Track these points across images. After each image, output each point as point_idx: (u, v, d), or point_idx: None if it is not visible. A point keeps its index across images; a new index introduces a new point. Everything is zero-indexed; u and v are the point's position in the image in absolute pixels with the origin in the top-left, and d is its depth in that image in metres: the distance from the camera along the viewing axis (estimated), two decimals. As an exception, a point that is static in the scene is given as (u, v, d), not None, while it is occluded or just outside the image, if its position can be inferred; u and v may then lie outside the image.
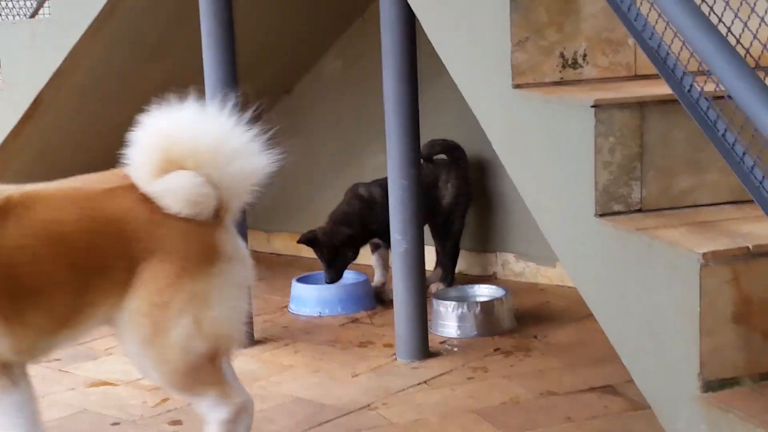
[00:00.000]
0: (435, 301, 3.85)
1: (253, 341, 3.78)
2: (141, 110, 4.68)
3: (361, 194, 4.26)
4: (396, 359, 3.56)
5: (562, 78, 2.58)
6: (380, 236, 4.19)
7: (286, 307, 4.24)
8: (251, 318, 3.77)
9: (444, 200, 4.31)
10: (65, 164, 4.78)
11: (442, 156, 4.39)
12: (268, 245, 5.25)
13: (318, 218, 4.63)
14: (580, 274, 2.40)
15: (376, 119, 4.64)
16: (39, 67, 4.21)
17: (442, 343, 3.73)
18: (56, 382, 3.51)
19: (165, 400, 3.29)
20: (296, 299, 4.20)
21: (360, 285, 4.21)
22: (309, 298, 4.15)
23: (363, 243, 4.23)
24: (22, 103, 4.29)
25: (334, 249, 4.12)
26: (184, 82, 4.60)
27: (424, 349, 3.58)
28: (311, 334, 3.91)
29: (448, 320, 3.80)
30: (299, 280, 4.26)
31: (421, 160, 3.66)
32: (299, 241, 4.18)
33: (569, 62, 2.58)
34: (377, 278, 4.33)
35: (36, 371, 3.57)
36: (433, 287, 4.20)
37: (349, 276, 4.27)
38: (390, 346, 3.67)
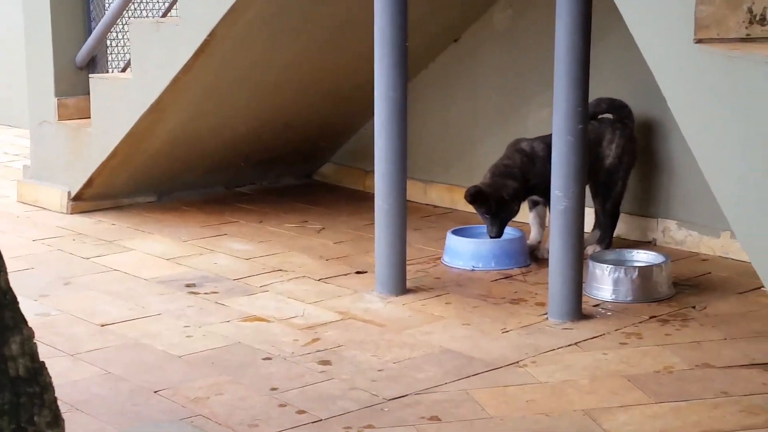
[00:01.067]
0: (591, 263, 3.76)
1: (404, 290, 3.77)
2: (308, 50, 4.76)
3: (523, 149, 4.18)
4: (547, 318, 3.50)
5: (748, 34, 2.45)
6: (540, 193, 4.11)
7: (440, 258, 4.22)
8: (404, 267, 3.77)
9: (607, 160, 4.19)
10: (232, 100, 4.89)
11: (608, 115, 4.26)
12: (425, 196, 5.23)
13: (475, 172, 4.58)
14: None
15: (543, 72, 4.55)
16: (214, 3, 4.28)
17: (595, 306, 3.65)
18: (212, 313, 3.59)
19: (316, 340, 3.33)
20: (450, 251, 4.17)
21: (516, 241, 4.15)
22: (463, 252, 4.12)
23: (523, 199, 4.16)
24: (196, 39, 4.37)
25: (501, 202, 4.05)
26: (352, 25, 4.64)
27: (577, 310, 3.51)
28: (463, 287, 3.88)
29: (604, 283, 3.71)
30: (454, 233, 4.23)
31: None
32: (467, 197, 4.10)
33: (757, 18, 2.45)
34: (533, 236, 4.26)
35: (194, 302, 3.69)
36: (590, 249, 4.10)
37: (505, 232, 4.23)
38: (542, 305, 3.61)
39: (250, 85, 4.86)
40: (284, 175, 5.73)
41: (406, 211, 3.77)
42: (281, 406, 2.82)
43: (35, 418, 1.46)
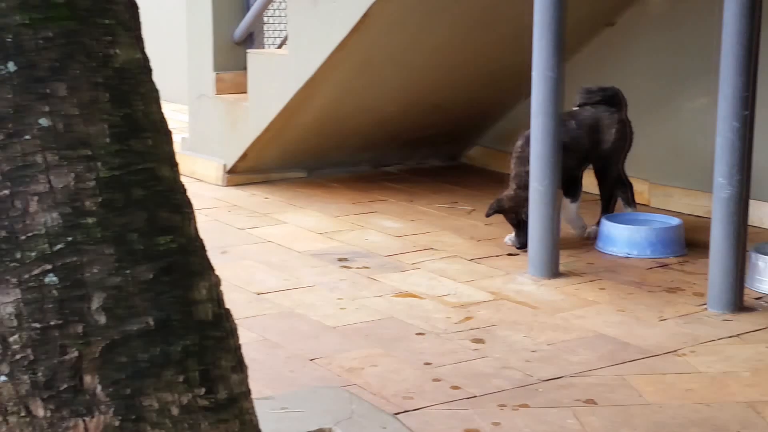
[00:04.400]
0: (753, 255, 3.64)
1: (557, 273, 3.73)
2: (459, 31, 4.73)
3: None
4: (706, 309, 3.40)
5: None
6: (564, 188, 3.99)
7: (593, 243, 4.15)
8: (557, 250, 3.73)
9: (605, 145, 4.21)
10: (382, 79, 4.91)
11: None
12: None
13: (633, 159, 4.48)
14: None
15: (702, 59, 4.42)
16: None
17: (757, 299, 3.53)
18: (365, 287, 3.61)
19: (469, 318, 3.31)
20: (604, 237, 4.09)
21: (672, 230, 4.05)
22: (618, 238, 4.04)
23: None
24: (352, 17, 4.40)
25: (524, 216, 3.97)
26: (504, 4, 4.60)
27: (738, 302, 3.40)
28: (616, 273, 3.81)
29: (766, 276, 3.59)
30: (608, 218, 4.15)
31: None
32: (486, 215, 4.04)
33: None
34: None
35: (346, 276, 3.72)
36: (590, 229, 4.21)
37: (661, 219, 4.13)
38: (700, 294, 3.51)
39: (401, 65, 4.87)
40: (430, 157, 5.73)
41: (560, 195, 3.72)
42: (435, 380, 2.82)
43: (220, 362, 1.49)
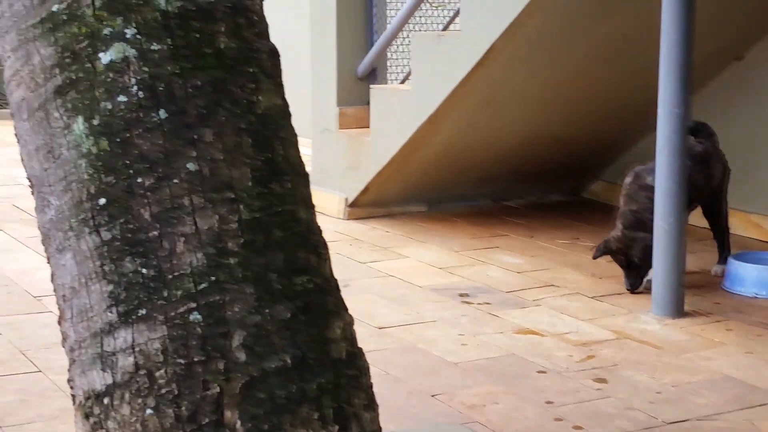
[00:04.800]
0: None
1: (682, 312, 3.67)
2: (583, 66, 4.72)
3: (648, 184, 3.87)
4: (838, 353, 3.31)
5: None
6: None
7: (719, 283, 4.07)
8: (682, 289, 3.67)
9: (714, 180, 4.10)
10: (505, 114, 4.93)
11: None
12: (700, 219, 5.06)
13: (754, 197, 4.40)
14: None
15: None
16: (495, 17, 4.33)
17: None
18: (486, 324, 3.62)
19: (591, 357, 3.29)
20: (731, 276, 4.02)
21: (802, 270, 3.95)
22: (746, 277, 3.96)
23: None
24: (476, 52, 4.43)
25: (634, 258, 3.88)
26: (629, 41, 4.57)
27: None
28: (744, 313, 3.73)
29: None
30: (736, 258, 4.07)
31: None
32: (593, 256, 3.98)
33: None
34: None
35: (467, 311, 3.74)
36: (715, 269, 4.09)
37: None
38: (832, 337, 3.42)
39: (524, 100, 4.88)
40: (551, 191, 5.71)
41: (685, 233, 3.67)
42: (557, 420, 2.81)
43: (353, 400, 1.53)
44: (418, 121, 4.76)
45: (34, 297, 3.84)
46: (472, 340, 3.45)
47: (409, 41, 5.08)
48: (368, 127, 5.14)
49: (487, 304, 3.84)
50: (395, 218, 5.20)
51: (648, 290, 3.81)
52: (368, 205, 5.21)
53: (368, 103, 5.16)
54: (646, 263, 3.83)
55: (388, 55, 5.42)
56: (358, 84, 5.31)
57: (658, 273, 3.66)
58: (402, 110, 4.87)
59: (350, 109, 5.31)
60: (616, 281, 4.10)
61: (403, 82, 5.40)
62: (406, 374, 3.14)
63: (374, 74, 5.31)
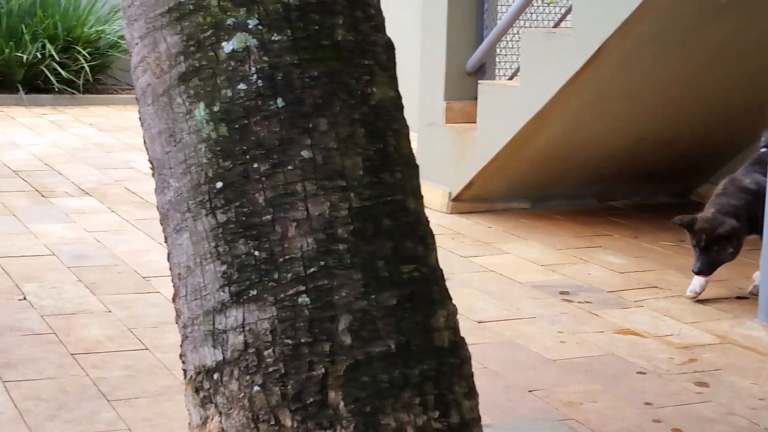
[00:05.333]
0: None
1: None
2: (695, 67, 4.66)
3: (748, 186, 3.82)
4: None
5: None
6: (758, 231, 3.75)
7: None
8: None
9: None
10: (613, 113, 4.89)
11: None
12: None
13: None
14: None
15: None
16: (607, 16, 4.30)
17: None
18: (586, 322, 3.61)
19: (693, 360, 3.26)
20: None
21: None
22: None
23: (741, 244, 3.81)
24: (587, 51, 4.41)
25: (715, 238, 3.74)
26: (742, 41, 4.49)
27: None
28: None
29: None
30: None
31: None
32: (677, 220, 3.83)
33: None
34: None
35: (567, 309, 3.73)
36: None
37: None
38: None
39: (633, 100, 4.84)
40: (658, 192, 5.64)
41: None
42: (655, 421, 2.80)
43: (455, 388, 1.56)
44: (525, 118, 4.76)
45: (143, 277, 3.97)
46: (571, 338, 3.45)
47: (519, 37, 5.07)
48: (474, 122, 5.15)
49: (588, 303, 3.82)
50: (498, 214, 5.21)
51: (754, 296, 3.75)
52: (471, 200, 5.23)
53: (476, 99, 5.17)
54: (724, 251, 3.76)
55: (497, 50, 5.42)
56: (466, 79, 5.32)
57: (766, 279, 3.60)
58: (509, 106, 4.87)
59: (457, 103, 5.33)
60: (722, 285, 4.04)
61: (511, 78, 5.40)
62: (503, 369, 3.16)
63: (483, 69, 5.32)
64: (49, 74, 8.66)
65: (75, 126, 7.72)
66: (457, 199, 5.23)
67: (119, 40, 9.16)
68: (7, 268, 4.00)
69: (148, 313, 3.56)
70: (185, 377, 1.59)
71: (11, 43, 8.58)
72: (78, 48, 8.82)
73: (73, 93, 8.83)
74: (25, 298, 3.66)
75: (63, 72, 8.68)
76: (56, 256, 4.19)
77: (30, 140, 6.97)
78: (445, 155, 5.29)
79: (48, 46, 8.64)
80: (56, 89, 8.76)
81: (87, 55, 8.82)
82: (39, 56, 8.64)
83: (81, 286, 3.82)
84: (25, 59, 8.58)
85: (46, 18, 8.75)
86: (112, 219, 4.89)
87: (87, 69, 8.81)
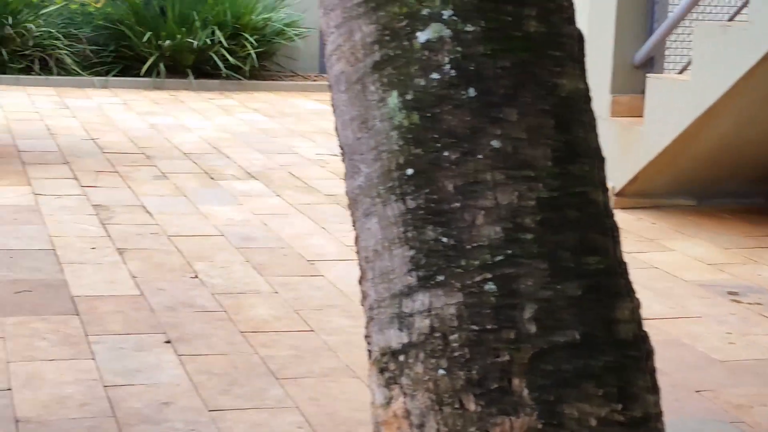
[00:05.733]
0: None
1: None
2: None
3: None
4: None
5: None
6: None
7: None
8: None
9: None
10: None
11: None
12: None
13: None
14: None
15: None
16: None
17: None
18: (756, 324, 3.53)
19: None
20: None
21: None
22: None
23: None
24: (764, 44, 4.29)
25: None
26: None
27: None
28: None
29: None
30: None
31: None
32: None
33: None
34: None
35: (736, 310, 3.64)
36: None
37: None
38: None
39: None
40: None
41: None
42: (830, 429, 2.71)
43: (637, 381, 1.56)
44: (695, 113, 4.65)
45: (308, 261, 4.07)
46: (741, 339, 3.37)
47: (690, 30, 4.96)
48: (641, 116, 5.07)
49: (758, 304, 3.72)
50: (662, 210, 5.11)
51: None
52: (635, 195, 5.15)
53: (643, 92, 5.09)
54: None
55: (667, 44, 5.31)
56: (633, 72, 5.24)
57: None
58: (679, 101, 4.77)
59: (624, 97, 5.25)
60: None
61: (681, 72, 5.29)
62: (669, 367, 3.11)
63: (651, 63, 5.23)
64: (217, 60, 8.94)
65: (241, 111, 7.95)
66: (621, 194, 5.16)
67: (285, 28, 9.38)
68: (180, 246, 4.16)
69: (313, 296, 3.65)
70: (369, 357, 1.63)
71: (183, 29, 8.89)
72: (245, 35, 9.07)
73: (239, 79, 9.09)
74: (196, 276, 3.80)
75: (230, 58, 8.94)
76: (225, 237, 4.34)
77: (199, 124, 7.22)
78: (610, 149, 5.21)
79: (217, 32, 8.92)
80: (224, 75, 9.03)
81: (254, 42, 9.07)
82: (208, 42, 8.93)
83: (249, 266, 3.95)
84: (195, 45, 8.87)
85: (216, 5, 9.03)
86: (277, 202, 5.02)
87: (253, 55, 9.05)
